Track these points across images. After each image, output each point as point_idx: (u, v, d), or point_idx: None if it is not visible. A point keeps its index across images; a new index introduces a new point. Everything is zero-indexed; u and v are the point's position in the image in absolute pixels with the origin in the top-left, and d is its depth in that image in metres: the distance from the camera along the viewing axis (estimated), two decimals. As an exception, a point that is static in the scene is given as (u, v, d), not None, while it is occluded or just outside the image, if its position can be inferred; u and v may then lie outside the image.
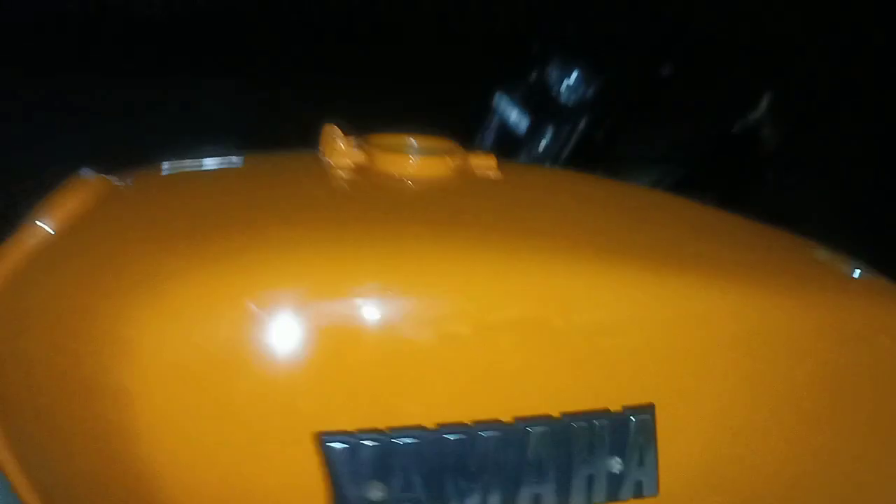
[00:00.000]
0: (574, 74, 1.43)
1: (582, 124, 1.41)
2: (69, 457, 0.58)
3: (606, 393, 0.61)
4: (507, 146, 1.49)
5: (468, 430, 0.56)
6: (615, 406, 0.61)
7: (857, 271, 0.78)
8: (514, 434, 0.57)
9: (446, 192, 0.67)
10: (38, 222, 0.60)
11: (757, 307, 0.68)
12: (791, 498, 0.71)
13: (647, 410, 0.61)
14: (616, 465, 0.61)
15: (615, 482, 0.61)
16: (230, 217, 0.61)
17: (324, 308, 0.55)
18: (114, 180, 0.64)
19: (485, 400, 0.57)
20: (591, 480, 0.60)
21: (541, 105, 1.39)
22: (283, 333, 0.54)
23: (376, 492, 0.55)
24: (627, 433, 0.61)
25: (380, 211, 0.65)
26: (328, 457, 0.54)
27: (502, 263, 0.60)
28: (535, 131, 1.38)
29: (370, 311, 0.55)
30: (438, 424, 0.56)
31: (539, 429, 0.58)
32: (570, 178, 0.80)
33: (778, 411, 0.69)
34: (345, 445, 0.54)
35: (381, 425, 0.55)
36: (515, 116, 1.38)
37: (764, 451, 0.68)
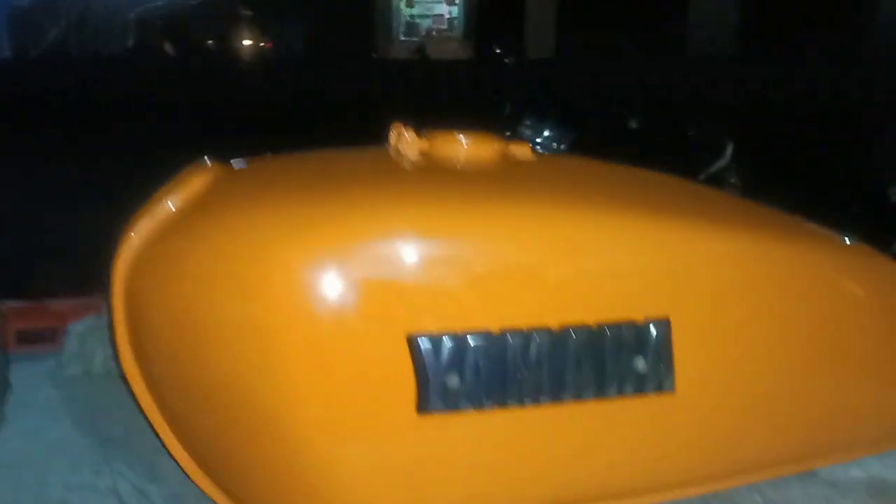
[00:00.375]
0: (546, 132, 1.63)
1: None
2: (208, 389, 0.75)
3: (631, 307, 0.77)
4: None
5: (524, 334, 0.73)
6: (639, 318, 0.77)
7: (847, 239, 0.94)
8: (560, 337, 0.74)
9: (494, 168, 0.84)
10: (166, 200, 0.77)
11: (760, 250, 0.84)
12: (779, 408, 0.87)
13: (664, 322, 0.78)
14: (641, 364, 0.77)
15: (641, 379, 0.77)
16: (333, 186, 0.78)
17: (414, 245, 0.71)
18: (230, 165, 0.82)
19: (538, 311, 0.74)
20: (622, 376, 0.76)
21: None
22: (385, 265, 0.71)
23: (453, 380, 0.71)
24: (649, 339, 0.77)
25: (446, 180, 0.82)
26: (417, 352, 0.70)
27: (546, 213, 0.77)
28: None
29: (448, 249, 0.72)
30: (501, 329, 0.72)
31: (581, 333, 0.74)
32: (595, 163, 0.96)
33: (773, 335, 0.85)
34: (430, 343, 0.70)
35: (457, 329, 0.71)
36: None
37: (759, 366, 0.84)
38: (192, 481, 0.78)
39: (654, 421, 0.79)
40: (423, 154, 0.83)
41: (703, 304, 0.80)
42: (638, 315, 0.76)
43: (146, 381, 0.79)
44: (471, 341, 0.71)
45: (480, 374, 0.72)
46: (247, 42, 9.14)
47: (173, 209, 0.77)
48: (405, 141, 0.83)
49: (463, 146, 0.83)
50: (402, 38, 13.25)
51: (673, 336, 0.78)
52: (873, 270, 0.92)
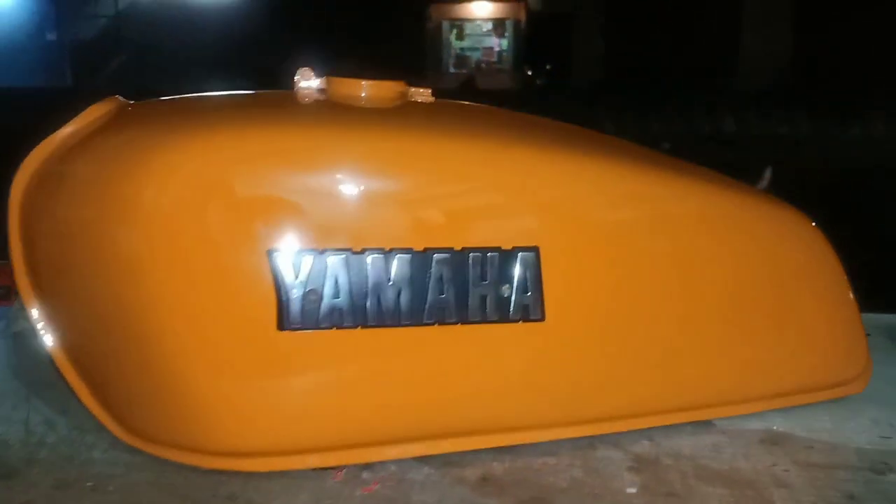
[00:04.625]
0: None
1: None
2: (90, 312, 0.79)
3: (500, 236, 0.78)
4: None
5: (385, 254, 0.75)
6: (507, 246, 0.78)
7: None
8: (422, 259, 0.75)
9: (388, 108, 0.87)
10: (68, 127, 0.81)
11: (649, 188, 0.85)
12: (669, 351, 0.87)
13: (532, 250, 0.79)
14: (506, 290, 0.78)
15: (504, 304, 0.78)
16: (214, 114, 0.82)
17: (281, 166, 0.74)
18: (126, 102, 0.86)
19: (401, 235, 0.75)
20: (483, 300, 0.77)
21: None
22: (250, 183, 0.73)
23: (312, 297, 0.73)
24: (514, 266, 0.78)
25: (329, 111, 0.85)
26: (276, 268, 0.73)
27: (419, 143, 0.79)
28: None
29: (313, 171, 0.75)
30: (363, 248, 0.74)
31: (441, 255, 0.76)
32: (496, 109, 0.98)
33: (664, 275, 0.85)
34: (289, 259, 0.73)
35: (318, 247, 0.74)
36: None
37: (645, 305, 0.84)
38: (90, 410, 0.81)
39: (524, 351, 0.80)
40: (323, 93, 0.86)
41: (580, 236, 0.81)
42: (507, 244, 0.77)
43: (41, 304, 0.81)
44: (330, 259, 0.73)
45: (339, 292, 0.74)
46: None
47: (69, 133, 0.80)
48: (305, 79, 0.86)
49: (360, 86, 0.85)
50: (452, 70, 13.43)
51: (544, 265, 0.78)
52: (781, 221, 0.91)
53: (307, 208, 0.73)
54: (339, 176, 0.74)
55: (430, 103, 0.89)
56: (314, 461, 0.79)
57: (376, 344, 0.75)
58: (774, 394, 0.93)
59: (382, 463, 0.80)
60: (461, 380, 0.79)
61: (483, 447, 0.83)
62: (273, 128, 0.77)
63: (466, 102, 0.96)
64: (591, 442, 0.86)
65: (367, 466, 0.80)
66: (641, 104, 8.17)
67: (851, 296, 0.95)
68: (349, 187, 0.74)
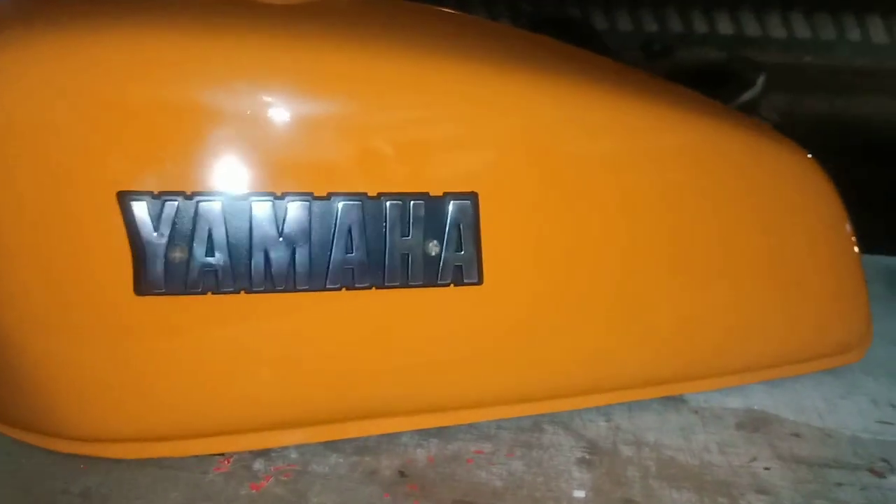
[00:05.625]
0: None
1: None
2: None
3: (429, 179, 0.61)
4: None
5: (274, 201, 0.58)
6: (437, 192, 0.61)
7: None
8: (323, 208, 0.58)
9: (301, 8, 0.67)
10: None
11: (611, 118, 0.67)
12: (630, 317, 0.71)
13: (469, 198, 0.62)
14: (433, 247, 0.61)
15: (432, 265, 0.61)
16: (63, 8, 0.62)
17: (137, 83, 0.56)
18: None
19: (297, 174, 0.58)
20: (404, 260, 0.61)
21: None
22: (96, 107, 0.55)
23: (178, 254, 0.56)
24: (445, 218, 0.61)
25: (220, 8, 0.66)
26: (131, 217, 0.56)
27: (332, 51, 0.61)
28: None
29: (177, 90, 0.56)
30: (246, 193, 0.57)
31: (349, 202, 0.59)
32: (429, 9, 0.79)
33: (624, 226, 0.69)
34: (148, 206, 0.56)
35: (186, 189, 0.56)
36: None
37: (602, 264, 0.68)
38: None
39: (456, 319, 0.64)
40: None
41: (530, 179, 0.64)
42: (436, 189, 0.61)
43: None
44: (203, 206, 0.56)
45: (214, 248, 0.57)
46: None
47: None
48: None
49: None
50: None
51: (484, 216, 0.62)
52: (778, 158, 0.75)
53: (171, 138, 0.56)
54: (212, 96, 0.56)
55: (351, 1, 0.71)
56: (195, 448, 0.64)
57: (266, 312, 0.60)
58: (760, 364, 0.79)
59: (282, 450, 0.66)
60: (376, 353, 0.63)
61: (404, 430, 0.68)
62: (136, 30, 0.58)
63: (399, 1, 0.77)
64: (538, 422, 0.71)
65: (263, 454, 0.65)
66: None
67: (855, 248, 0.79)
68: (225, 111, 0.56)
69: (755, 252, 0.74)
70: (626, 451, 0.68)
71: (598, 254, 0.67)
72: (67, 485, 0.61)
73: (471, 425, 0.70)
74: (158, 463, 0.64)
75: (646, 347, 0.72)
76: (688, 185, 0.70)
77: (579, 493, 0.62)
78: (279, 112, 0.57)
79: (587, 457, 0.67)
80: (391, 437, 0.68)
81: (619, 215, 0.68)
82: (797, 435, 0.71)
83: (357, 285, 0.60)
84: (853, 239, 0.79)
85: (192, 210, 0.56)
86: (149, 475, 0.63)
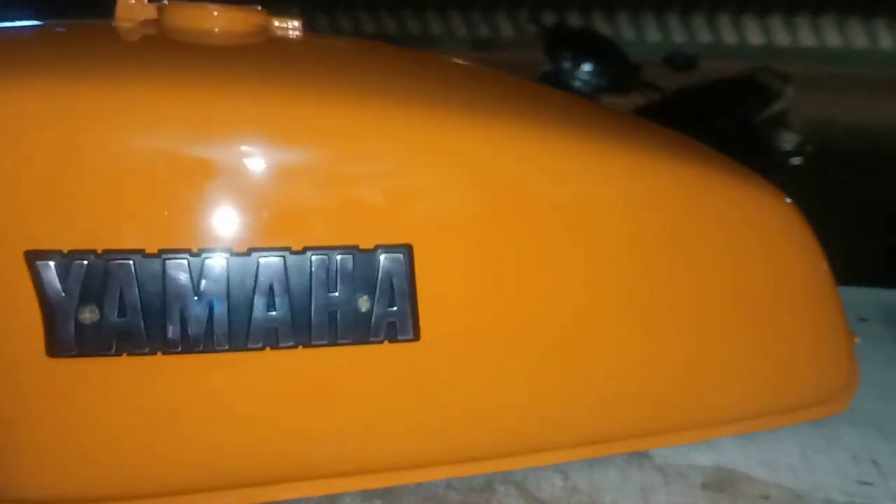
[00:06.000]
0: (586, 66, 1.47)
1: None
2: None
3: (357, 231, 0.58)
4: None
5: (191, 255, 0.55)
6: (368, 244, 0.58)
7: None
8: (242, 264, 0.56)
9: (237, 46, 0.65)
10: None
11: (558, 160, 0.64)
12: (586, 372, 0.67)
13: (402, 250, 0.59)
14: (363, 303, 0.58)
15: (363, 321, 0.58)
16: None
17: (42, 127, 0.53)
18: None
19: (214, 229, 0.55)
20: (332, 317, 0.58)
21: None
22: (5, 155, 0.53)
23: (89, 314, 0.54)
24: (377, 271, 0.58)
25: (149, 49, 0.64)
26: (38, 277, 0.53)
27: (261, 95, 0.58)
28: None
29: (94, 134, 0.54)
30: (160, 250, 0.55)
31: (270, 257, 0.56)
32: (378, 46, 0.76)
33: (575, 273, 0.65)
34: (56, 265, 0.53)
35: (96, 247, 0.54)
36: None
37: (553, 313, 0.65)
38: None
39: (392, 377, 0.61)
40: (155, 24, 0.65)
41: (472, 230, 0.61)
42: (366, 242, 0.57)
43: None
44: (113, 264, 0.54)
45: (126, 309, 0.54)
46: None
47: None
48: (124, 8, 0.65)
49: (197, 14, 0.64)
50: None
51: (420, 269, 0.59)
52: (753, 202, 0.71)
53: (81, 194, 0.53)
54: (120, 149, 0.54)
55: (297, 40, 0.68)
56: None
57: (185, 372, 0.57)
58: (731, 417, 0.74)
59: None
60: (309, 412, 0.60)
61: (346, 491, 0.65)
62: (56, 79, 0.56)
63: (346, 38, 0.74)
64: (491, 481, 0.68)
65: (196, 516, 0.62)
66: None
67: (835, 293, 0.75)
68: (141, 164, 0.54)
69: (725, 299, 0.70)
70: (579, 514, 0.64)
71: (550, 304, 0.63)
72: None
73: (419, 485, 0.66)
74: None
75: (605, 401, 0.68)
76: (651, 229, 0.66)
77: (521, 566, 0.58)
78: (192, 164, 0.54)
79: (536, 522, 0.63)
80: (333, 499, 0.65)
81: (576, 263, 0.64)
82: (766, 497, 0.66)
83: (281, 344, 0.57)
84: (832, 284, 0.74)
85: (102, 269, 0.53)
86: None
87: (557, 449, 0.69)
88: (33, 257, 0.53)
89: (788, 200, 0.72)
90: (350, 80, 0.64)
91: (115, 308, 0.55)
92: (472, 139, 0.62)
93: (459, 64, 0.78)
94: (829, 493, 0.67)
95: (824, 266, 0.74)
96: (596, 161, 0.66)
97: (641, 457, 0.71)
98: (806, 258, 0.73)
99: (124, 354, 0.56)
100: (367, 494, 0.65)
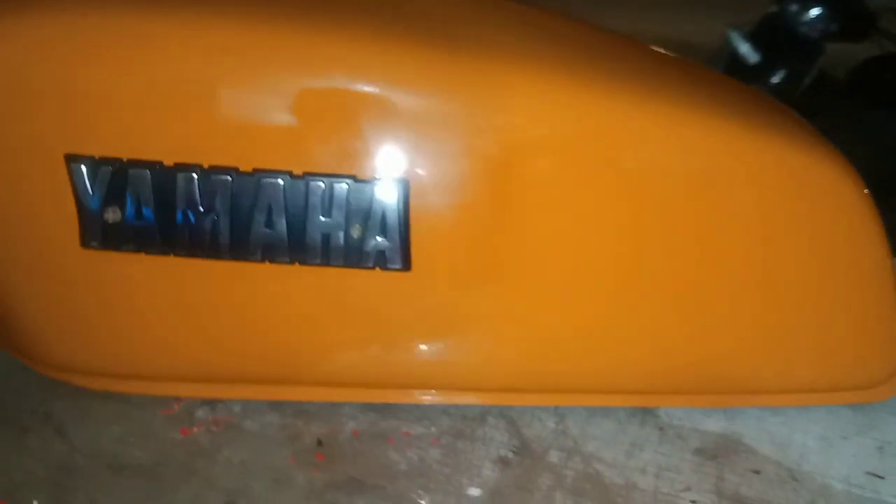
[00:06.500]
0: (815, 10, 1.40)
1: (819, 61, 1.37)
2: None
3: (356, 161, 0.62)
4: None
5: (202, 173, 0.61)
6: (367, 175, 0.62)
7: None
8: (247, 181, 0.61)
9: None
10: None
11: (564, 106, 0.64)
12: (592, 318, 0.68)
13: (399, 184, 0.62)
14: (355, 230, 0.62)
15: (354, 247, 0.62)
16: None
17: (81, 49, 0.61)
18: None
19: (224, 149, 0.61)
20: (326, 240, 0.62)
21: (775, 40, 1.35)
22: (45, 72, 0.61)
23: (113, 214, 0.62)
24: (371, 202, 0.61)
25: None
26: (74, 177, 0.62)
27: (266, 26, 0.62)
28: (768, 67, 1.34)
29: (122, 63, 0.61)
30: (175, 163, 0.61)
31: (271, 179, 0.61)
32: None
33: (584, 216, 0.65)
34: (88, 168, 0.61)
35: (122, 156, 0.61)
36: (747, 51, 1.37)
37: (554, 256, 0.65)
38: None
39: (381, 302, 0.65)
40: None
41: (473, 166, 0.62)
42: (363, 172, 0.61)
43: None
44: (132, 172, 0.61)
45: (142, 212, 0.62)
46: None
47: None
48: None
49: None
50: None
51: (412, 204, 0.62)
52: (811, 172, 0.67)
53: (111, 108, 0.61)
54: (143, 74, 0.60)
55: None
56: (150, 389, 0.71)
57: (191, 275, 0.64)
58: (753, 388, 0.71)
59: (230, 403, 0.70)
60: (303, 325, 0.66)
61: (346, 401, 0.70)
62: (83, 8, 0.63)
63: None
64: (485, 413, 0.71)
65: (211, 404, 0.70)
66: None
67: (891, 272, 0.69)
68: (155, 86, 0.60)
69: (767, 268, 0.67)
70: (554, 457, 0.65)
71: (579, 248, 0.64)
72: (37, 406, 0.70)
73: (418, 407, 0.70)
74: (125, 399, 0.70)
75: (613, 352, 0.68)
76: (697, 195, 0.64)
77: (474, 492, 0.61)
78: (208, 87, 0.60)
79: (510, 456, 0.65)
80: (335, 407, 0.70)
81: (600, 208, 0.64)
82: (757, 472, 0.64)
83: (278, 259, 0.62)
84: (889, 265, 0.69)
85: (124, 175, 0.61)
86: (108, 409, 0.70)
87: (552, 392, 0.70)
88: (70, 160, 0.61)
89: (857, 180, 0.67)
90: (343, 17, 0.66)
91: (134, 210, 0.62)
92: (467, 73, 0.62)
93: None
94: (827, 479, 0.64)
95: (882, 245, 0.68)
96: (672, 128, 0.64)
97: (646, 413, 0.71)
98: (860, 231, 0.68)
99: (142, 252, 0.63)
100: (367, 407, 0.70)
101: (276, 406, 0.70)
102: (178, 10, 0.61)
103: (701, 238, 0.66)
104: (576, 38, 0.73)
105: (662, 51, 0.74)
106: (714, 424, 0.70)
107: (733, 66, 1.40)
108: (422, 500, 0.60)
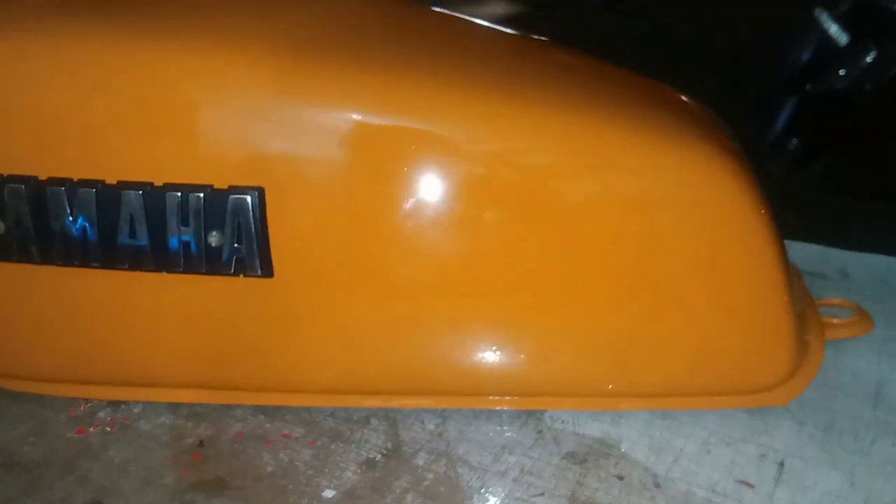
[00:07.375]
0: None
1: None
2: None
3: (214, 171, 0.64)
4: (826, 63, 1.41)
5: (70, 185, 0.65)
6: (223, 184, 0.64)
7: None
8: (109, 193, 0.64)
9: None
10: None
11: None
12: (468, 319, 0.68)
13: (254, 192, 0.64)
14: (214, 238, 0.65)
15: (214, 255, 0.65)
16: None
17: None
18: None
19: (92, 164, 0.65)
20: (186, 248, 0.65)
21: (866, 20, 1.33)
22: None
23: (-2, 227, 0.66)
24: (225, 210, 0.64)
25: None
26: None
27: (135, 38, 0.65)
28: (857, 49, 1.31)
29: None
30: (48, 177, 0.65)
31: (132, 192, 0.64)
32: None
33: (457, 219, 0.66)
34: (-29, 184, 0.66)
35: (3, 171, 0.66)
36: (836, 32, 1.35)
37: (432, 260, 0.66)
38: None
39: (242, 308, 0.67)
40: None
41: (318, 175, 0.64)
42: (220, 181, 0.64)
43: None
44: (11, 187, 0.66)
45: (22, 223, 0.66)
46: None
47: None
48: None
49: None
50: None
51: (269, 212, 0.64)
52: (690, 161, 0.66)
53: (-4, 128, 0.65)
54: (18, 88, 0.64)
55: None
56: (59, 391, 0.75)
57: (65, 283, 0.68)
58: (637, 392, 0.70)
59: (132, 405, 0.74)
60: (179, 330, 0.68)
61: (239, 403, 0.73)
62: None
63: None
64: (370, 416, 0.72)
65: (114, 405, 0.74)
66: None
67: (783, 275, 0.67)
68: (27, 102, 0.64)
69: (651, 269, 0.66)
70: (421, 459, 0.66)
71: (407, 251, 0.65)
72: (-50, 404, 0.75)
73: (307, 410, 0.72)
74: (38, 400, 0.75)
75: (494, 354, 0.68)
76: (571, 193, 0.64)
77: (329, 493, 0.63)
78: (78, 107, 0.64)
79: (377, 458, 0.66)
80: (228, 409, 0.73)
81: (471, 210, 0.65)
82: (621, 477, 0.64)
83: (144, 267, 0.65)
84: (779, 263, 0.67)
85: (3, 190, 0.65)
86: (22, 409, 0.74)
87: (427, 395, 0.70)
88: (-41, 176, 0.66)
89: (741, 166, 0.65)
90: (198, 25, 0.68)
91: (13, 222, 0.66)
92: (325, 81, 0.64)
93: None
94: (692, 486, 0.63)
95: (770, 241, 0.66)
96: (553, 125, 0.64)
97: (530, 416, 0.71)
98: (742, 225, 0.66)
99: (20, 261, 0.67)
100: (258, 409, 0.72)
101: (174, 408, 0.73)
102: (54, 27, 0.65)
103: (579, 236, 0.65)
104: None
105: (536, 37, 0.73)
106: (597, 428, 0.69)
107: (822, 47, 1.36)
108: (276, 500, 0.62)
